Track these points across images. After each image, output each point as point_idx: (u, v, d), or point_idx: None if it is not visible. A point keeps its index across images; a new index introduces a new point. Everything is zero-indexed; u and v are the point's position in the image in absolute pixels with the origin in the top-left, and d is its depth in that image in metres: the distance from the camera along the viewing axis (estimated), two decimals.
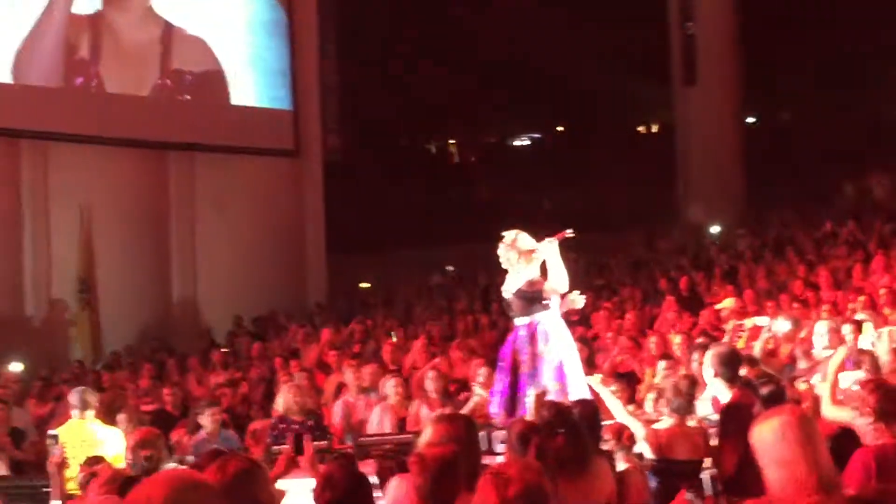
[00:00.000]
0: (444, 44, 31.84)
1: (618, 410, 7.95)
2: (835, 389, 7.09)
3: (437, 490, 4.85)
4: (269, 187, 23.28)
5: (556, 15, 31.05)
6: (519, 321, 8.90)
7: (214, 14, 22.52)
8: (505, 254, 8.95)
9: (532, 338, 8.75)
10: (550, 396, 8.10)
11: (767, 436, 4.18)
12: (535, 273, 8.89)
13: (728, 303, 13.95)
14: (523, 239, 8.96)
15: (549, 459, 5.85)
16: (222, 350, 17.91)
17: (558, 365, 8.73)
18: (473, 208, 30.57)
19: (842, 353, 7.67)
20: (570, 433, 6.13)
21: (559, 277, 8.80)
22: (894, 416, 5.11)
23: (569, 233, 8.99)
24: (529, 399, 8.48)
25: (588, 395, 8.58)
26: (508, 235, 9.03)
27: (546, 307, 8.82)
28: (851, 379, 7.55)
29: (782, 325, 11.34)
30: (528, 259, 8.86)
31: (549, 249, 8.81)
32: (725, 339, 11.40)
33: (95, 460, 7.41)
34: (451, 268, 26.51)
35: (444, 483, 4.83)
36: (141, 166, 21.77)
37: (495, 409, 9.02)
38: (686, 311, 15.13)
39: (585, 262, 21.69)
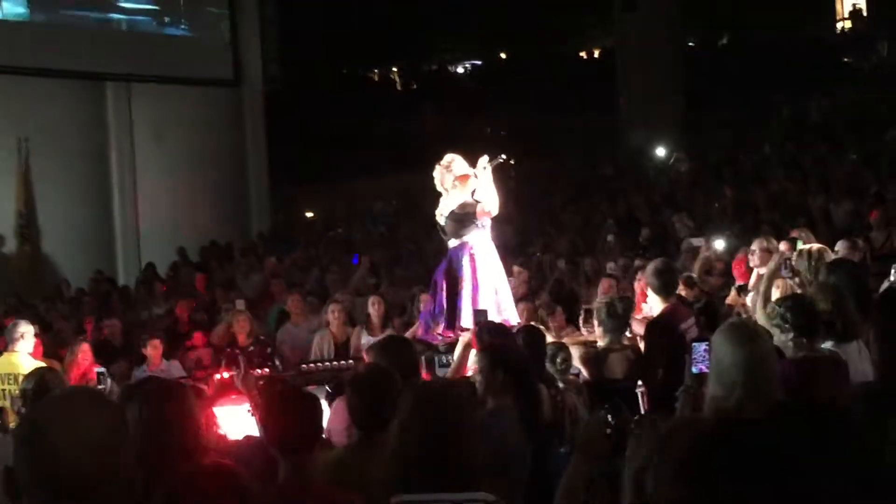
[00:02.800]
0: None
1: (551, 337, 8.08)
2: (768, 297, 7.19)
3: (370, 410, 4.89)
4: (210, 118, 23.06)
5: None
6: (452, 243, 8.97)
7: None
8: (440, 176, 9.02)
9: (470, 257, 8.82)
10: (488, 316, 8.17)
11: (722, 354, 4.33)
12: (467, 197, 8.96)
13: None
14: (459, 163, 9.03)
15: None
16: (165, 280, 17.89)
17: (491, 285, 8.83)
18: (416, 136, 30.48)
19: (776, 261, 7.78)
20: (512, 366, 6.14)
21: (492, 200, 8.88)
22: (811, 331, 5.22)
23: (502, 158, 9.07)
24: (467, 313, 8.59)
25: (517, 317, 8.76)
26: (446, 158, 9.12)
27: (478, 227, 8.90)
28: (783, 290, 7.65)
29: (718, 245, 11.52)
30: (463, 183, 8.93)
31: (483, 174, 8.88)
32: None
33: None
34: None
35: (377, 404, 4.86)
36: (79, 98, 21.50)
37: (422, 331, 9.12)
38: (625, 233, 15.28)
39: (528, 187, 21.81)
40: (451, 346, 8.91)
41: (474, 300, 8.67)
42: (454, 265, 8.84)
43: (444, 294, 8.82)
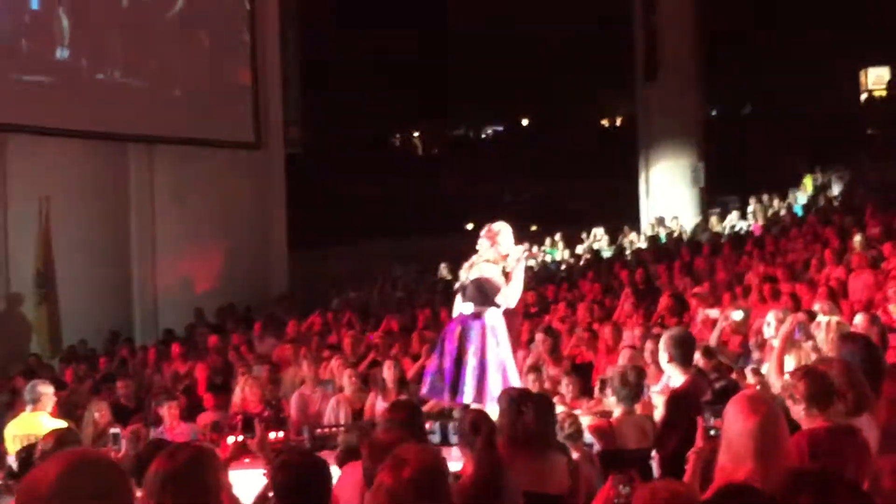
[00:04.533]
0: (408, 36, 31.83)
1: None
2: (781, 361, 7.14)
3: None
4: (231, 180, 23.17)
5: (522, 8, 31.21)
6: (467, 309, 8.99)
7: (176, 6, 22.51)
8: (485, 240, 9.11)
9: (481, 332, 8.85)
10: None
11: (733, 425, 4.34)
12: (496, 274, 9.02)
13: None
14: (506, 237, 9.13)
15: (510, 439, 5.98)
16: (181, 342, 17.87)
17: (502, 363, 8.86)
18: (437, 201, 30.58)
19: (790, 323, 7.69)
20: (536, 410, 6.20)
21: (514, 291, 8.98)
22: (824, 401, 5.18)
23: (534, 251, 9.25)
24: (469, 387, 8.64)
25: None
26: (497, 225, 9.22)
27: (496, 305, 8.97)
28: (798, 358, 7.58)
29: (735, 316, 11.44)
30: (500, 260, 9.02)
31: (517, 262, 8.99)
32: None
33: (32, 447, 7.38)
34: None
35: None
36: (101, 159, 21.62)
37: (426, 389, 9.15)
38: (643, 302, 15.19)
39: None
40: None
41: (481, 376, 8.71)
42: (465, 334, 8.85)
43: (451, 360, 8.83)
